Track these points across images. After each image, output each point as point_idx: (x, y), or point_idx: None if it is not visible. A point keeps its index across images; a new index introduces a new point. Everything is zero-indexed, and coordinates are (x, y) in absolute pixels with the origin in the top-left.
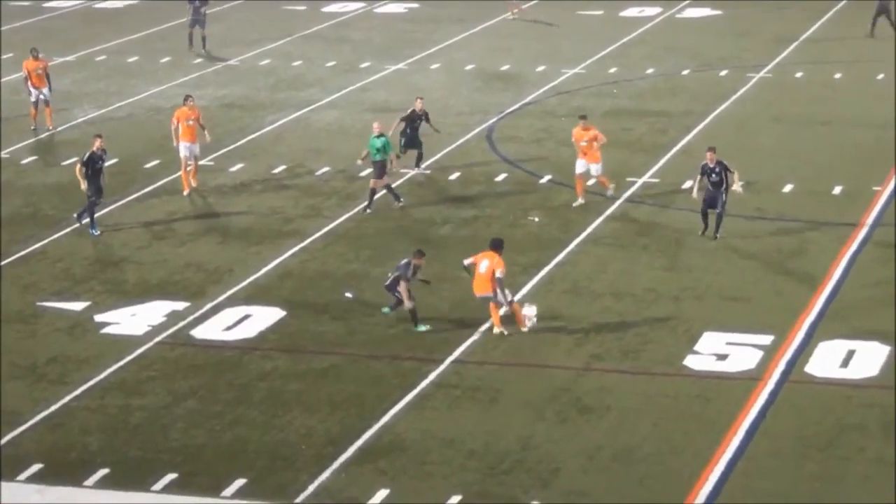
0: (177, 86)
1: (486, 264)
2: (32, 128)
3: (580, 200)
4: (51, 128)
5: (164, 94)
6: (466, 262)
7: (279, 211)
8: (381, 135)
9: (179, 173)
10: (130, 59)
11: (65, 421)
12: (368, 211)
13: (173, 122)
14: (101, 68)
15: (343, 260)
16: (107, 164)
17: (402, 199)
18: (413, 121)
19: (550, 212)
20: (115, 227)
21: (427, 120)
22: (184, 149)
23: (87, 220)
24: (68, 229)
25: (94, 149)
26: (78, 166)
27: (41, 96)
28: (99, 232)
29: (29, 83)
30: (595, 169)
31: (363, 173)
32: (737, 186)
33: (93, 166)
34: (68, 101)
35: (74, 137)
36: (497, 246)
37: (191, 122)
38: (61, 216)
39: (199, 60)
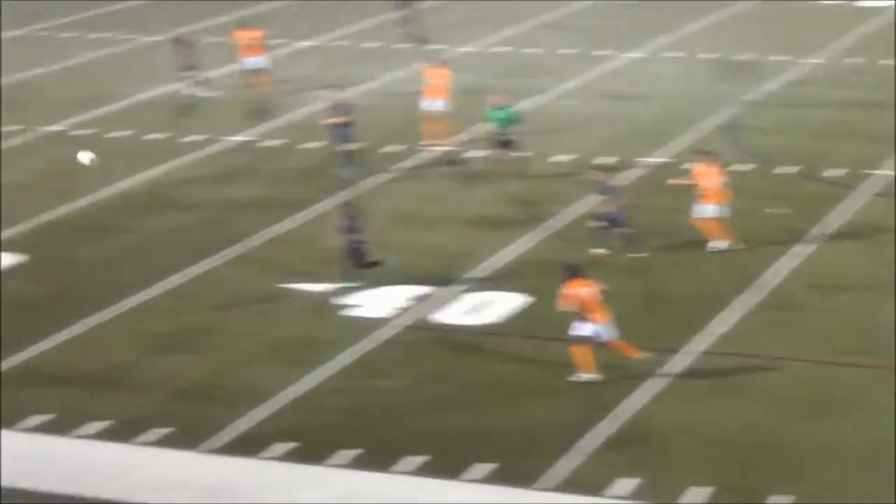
0: (414, 72)
1: (587, 291)
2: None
3: (721, 245)
4: (267, 96)
5: (401, 80)
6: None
7: (520, 197)
8: (502, 107)
9: (414, 160)
10: (369, 45)
11: (311, 401)
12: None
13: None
14: (341, 53)
15: (581, 248)
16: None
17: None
18: None
19: (793, 203)
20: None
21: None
22: (427, 104)
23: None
24: (312, 211)
25: (338, 99)
26: (327, 119)
27: (257, 66)
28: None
29: (242, 53)
30: (719, 211)
31: (597, 160)
32: None
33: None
34: (310, 85)
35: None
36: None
37: (435, 81)
38: (305, 199)
39: (435, 47)
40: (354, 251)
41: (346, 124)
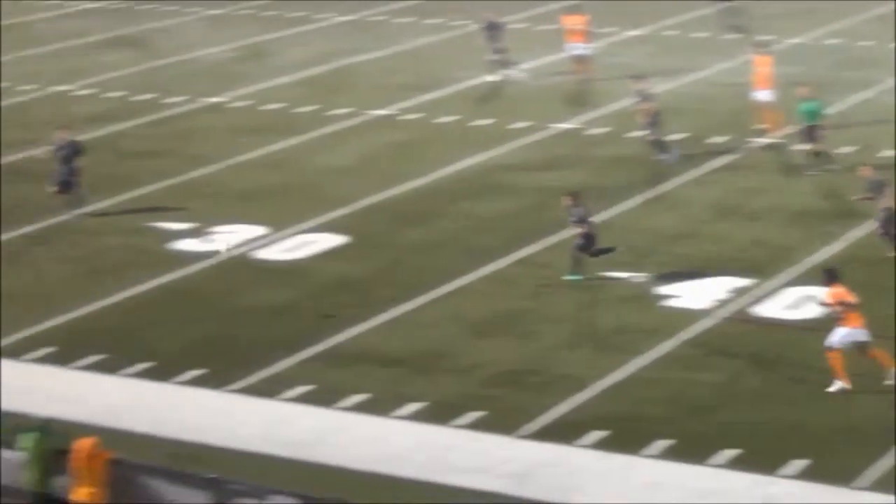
0: (742, 64)
1: (843, 296)
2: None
3: None
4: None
5: (728, 70)
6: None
7: (844, 191)
8: (810, 99)
9: (739, 151)
10: (698, 35)
11: (627, 390)
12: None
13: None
14: (669, 43)
15: None
16: (673, 136)
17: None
18: None
19: None
20: (673, 202)
21: None
22: (757, 94)
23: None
24: (634, 200)
25: (643, 89)
26: (637, 108)
27: (579, 51)
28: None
29: (567, 38)
30: None
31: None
32: None
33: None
34: (637, 74)
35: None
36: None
37: (761, 70)
38: (628, 187)
39: (763, 38)
40: (585, 239)
41: (652, 113)
